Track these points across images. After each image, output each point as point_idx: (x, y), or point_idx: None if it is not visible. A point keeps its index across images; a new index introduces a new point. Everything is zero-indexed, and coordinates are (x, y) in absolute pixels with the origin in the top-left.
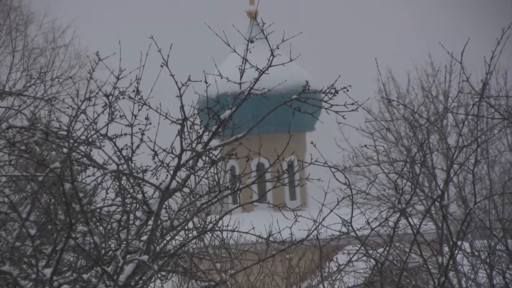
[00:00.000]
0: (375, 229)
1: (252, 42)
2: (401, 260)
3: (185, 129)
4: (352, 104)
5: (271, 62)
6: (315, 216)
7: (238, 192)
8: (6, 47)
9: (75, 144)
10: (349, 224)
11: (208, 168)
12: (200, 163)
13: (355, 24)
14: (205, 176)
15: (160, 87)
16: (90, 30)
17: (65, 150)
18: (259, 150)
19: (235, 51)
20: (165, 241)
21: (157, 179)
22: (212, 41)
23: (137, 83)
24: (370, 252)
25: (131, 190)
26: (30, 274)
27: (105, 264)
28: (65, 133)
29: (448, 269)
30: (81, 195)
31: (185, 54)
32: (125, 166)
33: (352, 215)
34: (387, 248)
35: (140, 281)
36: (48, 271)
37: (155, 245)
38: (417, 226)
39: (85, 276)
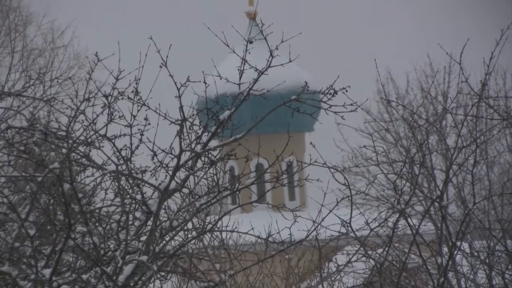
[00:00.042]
0: (375, 230)
1: (251, 42)
2: (400, 261)
3: (184, 130)
4: (351, 104)
5: (270, 63)
6: (314, 216)
7: (237, 192)
8: (5, 47)
9: (74, 145)
10: (349, 225)
11: (207, 169)
12: (199, 164)
13: (354, 25)
14: (204, 176)
15: (159, 88)
16: (89, 30)
17: (64, 150)
18: (258, 150)
19: (234, 52)
20: (164, 242)
21: (156, 179)
22: (211, 42)
23: (136, 83)
24: (370, 252)
25: (130, 191)
26: (29, 274)
27: (104, 265)
28: (64, 133)
29: (447, 269)
30: (80, 195)
31: (184, 55)
32: (124, 167)
33: (351, 215)
34: (387, 249)
35: (140, 282)
36: (47, 272)
37: (154, 245)
38: (416, 227)
39: (84, 276)
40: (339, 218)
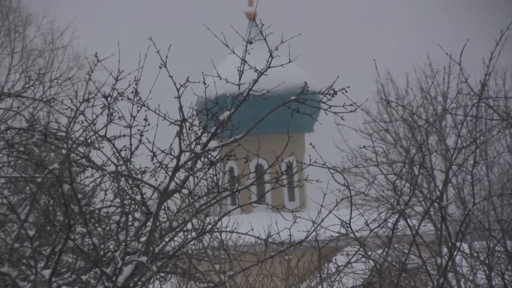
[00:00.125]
0: (374, 230)
1: (251, 43)
2: (400, 261)
3: (184, 130)
4: (351, 105)
5: (270, 63)
6: (314, 217)
7: (237, 193)
8: (5, 48)
9: (74, 145)
10: (348, 225)
11: (207, 169)
12: (199, 164)
13: (354, 26)
14: (204, 177)
15: (159, 88)
16: (89, 31)
17: (63, 151)
18: (258, 151)
19: (234, 52)
20: (164, 242)
21: (155, 180)
22: (211, 42)
23: (136, 84)
24: (369, 253)
25: (130, 191)
26: (29, 275)
27: (104, 265)
28: (63, 134)
29: (447, 270)
30: (80, 196)
31: (183, 55)
32: (123, 167)
33: (351, 216)
34: (386, 249)
35: (139, 282)
36: (47, 272)
37: (154, 246)
38: (416, 227)
39: (84, 277)
40: (339, 218)
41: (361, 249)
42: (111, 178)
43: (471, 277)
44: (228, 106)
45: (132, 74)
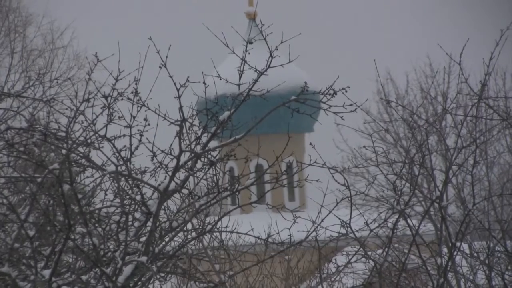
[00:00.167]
0: (374, 230)
1: (251, 43)
2: (400, 261)
3: (184, 130)
4: (351, 105)
5: (270, 63)
6: (314, 217)
7: (237, 193)
8: (5, 48)
9: (74, 145)
10: (348, 225)
11: (207, 169)
12: (199, 164)
13: (354, 26)
14: (204, 177)
15: (159, 88)
16: (89, 31)
17: (63, 151)
18: (258, 151)
19: (234, 52)
20: (164, 242)
21: (155, 180)
22: (211, 42)
23: (136, 84)
24: (369, 253)
25: (130, 191)
26: (29, 275)
27: (104, 265)
28: (63, 134)
29: (447, 270)
30: (80, 196)
31: (184, 55)
32: (124, 167)
33: (351, 216)
34: (386, 249)
35: (139, 282)
36: (47, 272)
37: (154, 246)
38: (416, 227)
39: (84, 277)
40: (339, 218)
41: (361, 249)
42: (111, 178)
43: (471, 277)
44: (228, 106)
45: (132, 74)
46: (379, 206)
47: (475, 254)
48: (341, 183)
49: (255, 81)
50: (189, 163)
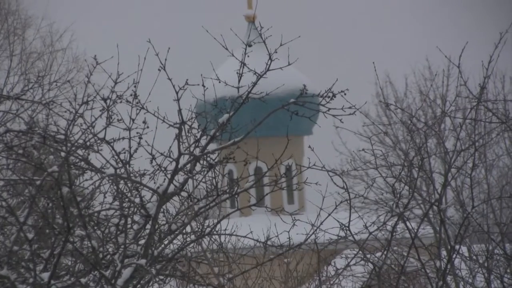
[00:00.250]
0: (373, 233)
1: (250, 46)
2: (399, 264)
3: (183, 133)
4: (350, 108)
5: (269, 66)
6: (313, 220)
7: (236, 196)
8: (4, 51)
9: (73, 148)
10: (347, 228)
11: (206, 172)
12: (198, 167)
13: (353, 28)
14: (203, 180)
15: (158, 91)
16: (88, 34)
17: (63, 154)
18: (257, 154)
19: (233, 55)
20: (163, 245)
21: (155, 183)
22: (210, 45)
23: (135, 87)
24: (368, 256)
25: (129, 194)
26: (28, 278)
27: (103, 268)
28: (63, 137)
29: (446, 273)
30: (79, 199)
31: (183, 58)
32: (123, 170)
33: (350, 219)
34: (385, 252)
35: (138, 285)
36: (45, 275)
37: (153, 249)
38: (415, 230)
39: (83, 280)
40: (338, 221)
41: (360, 252)
42: (110, 181)
43: (470, 280)
44: (227, 109)
45: (131, 76)
46: (378, 208)
47: (474, 257)
48: (340, 186)
49: (254, 83)
50: (188, 165)
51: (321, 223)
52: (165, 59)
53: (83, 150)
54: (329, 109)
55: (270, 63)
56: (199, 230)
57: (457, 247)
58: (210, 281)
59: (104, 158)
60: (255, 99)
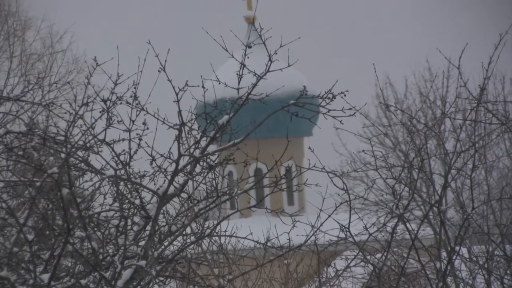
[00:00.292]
0: (373, 235)
1: (250, 47)
2: (399, 266)
3: (183, 134)
4: (350, 109)
5: (269, 68)
6: (313, 221)
7: (236, 197)
8: (4, 52)
9: (73, 150)
10: (347, 230)
11: (206, 174)
12: (198, 168)
13: (353, 30)
14: (203, 181)
15: (158, 92)
16: (88, 35)
17: (63, 155)
18: (257, 155)
19: (233, 57)
20: (163, 247)
21: (154, 184)
22: (210, 46)
23: (135, 88)
24: (368, 257)
25: (129, 196)
26: (27, 279)
27: (103, 270)
28: (63, 138)
29: (446, 274)
30: (79, 200)
31: (183, 59)
32: (123, 172)
33: (350, 220)
34: (385, 254)
35: (138, 287)
36: (45, 277)
37: (153, 250)
38: (415, 232)
39: (83, 281)
40: (338, 223)
41: (360, 253)
42: (110, 182)
43: (470, 282)
44: (227, 110)
45: (131, 78)
46: (378, 210)
47: (474, 258)
48: (340, 187)
49: (254, 85)
50: (188, 167)
51: (321, 225)
52: (165, 61)
53: (83, 152)
54: (329, 110)
55: (270, 64)
56: (199, 231)
57: (457, 248)
58: (210, 282)
59: (104, 159)
60: (255, 100)
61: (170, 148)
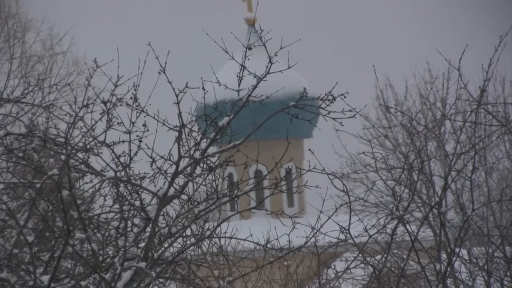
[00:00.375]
0: (373, 236)
1: (250, 49)
2: (399, 267)
3: (183, 136)
4: (350, 111)
5: (269, 69)
6: (313, 223)
7: (236, 199)
8: (4, 54)
9: (73, 151)
10: (347, 231)
11: (206, 175)
12: (198, 170)
13: (353, 31)
14: (203, 183)
15: (158, 94)
16: (88, 37)
17: (63, 157)
18: (257, 157)
19: (233, 58)
20: (163, 248)
21: (155, 186)
22: (210, 48)
23: (135, 90)
24: (368, 259)
25: (129, 197)
26: (28, 281)
27: (103, 271)
28: (63, 140)
29: (446, 276)
30: (79, 202)
31: (183, 61)
32: (123, 173)
33: (350, 222)
34: (385, 255)
35: None
36: (46, 278)
37: (153, 252)
38: (415, 233)
39: (83, 283)
40: (338, 224)
41: (360, 255)
42: (110, 184)
43: (470, 283)
44: (228, 112)
45: (131, 79)
46: (378, 212)
47: (474, 260)
48: (340, 189)
49: (255, 87)
50: (188, 169)
51: (321, 226)
52: (165, 62)
53: (83, 153)
54: (329, 112)
55: (270, 66)
56: (199, 233)
57: (457, 250)
58: (210, 284)
59: (104, 161)
60: (255, 102)
61: (170, 150)
